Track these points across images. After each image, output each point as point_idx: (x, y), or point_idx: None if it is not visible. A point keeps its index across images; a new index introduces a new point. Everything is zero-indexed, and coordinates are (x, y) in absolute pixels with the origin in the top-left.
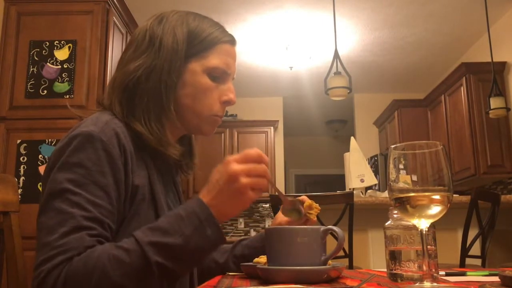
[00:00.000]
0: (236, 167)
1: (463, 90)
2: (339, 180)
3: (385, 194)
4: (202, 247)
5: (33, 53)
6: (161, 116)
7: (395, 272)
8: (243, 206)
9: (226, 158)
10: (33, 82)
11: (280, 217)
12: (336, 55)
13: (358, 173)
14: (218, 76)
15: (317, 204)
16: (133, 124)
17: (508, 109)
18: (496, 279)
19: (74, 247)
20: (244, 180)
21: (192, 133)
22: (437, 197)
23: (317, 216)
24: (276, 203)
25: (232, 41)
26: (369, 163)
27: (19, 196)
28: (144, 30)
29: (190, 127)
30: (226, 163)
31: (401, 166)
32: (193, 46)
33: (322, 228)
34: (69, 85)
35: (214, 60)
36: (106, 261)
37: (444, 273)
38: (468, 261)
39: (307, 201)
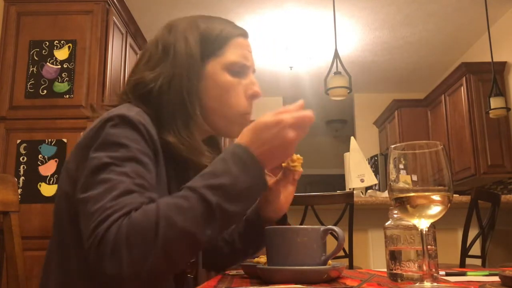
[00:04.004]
0: (292, 134)
1: (463, 90)
2: (339, 180)
3: (385, 194)
4: (250, 186)
5: (33, 53)
6: (188, 123)
7: (395, 272)
8: (280, 162)
9: (280, 118)
10: (33, 82)
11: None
12: (336, 55)
13: (358, 173)
14: (238, 70)
15: (298, 155)
16: (163, 135)
17: (508, 109)
18: (496, 279)
19: (129, 203)
20: (294, 145)
21: (222, 136)
22: (437, 197)
23: (317, 216)
24: None
25: (244, 34)
26: (369, 163)
27: (19, 196)
28: (155, 41)
29: (220, 131)
30: (283, 127)
31: (401, 166)
32: (207, 47)
33: (322, 228)
34: (69, 85)
35: (231, 55)
36: (167, 210)
37: (444, 273)
38: (468, 261)
39: None
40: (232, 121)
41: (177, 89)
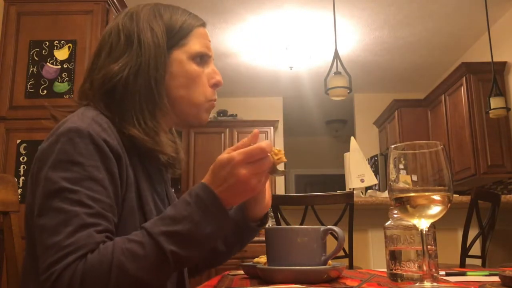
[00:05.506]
0: (244, 171)
1: (463, 90)
2: (339, 180)
3: (385, 194)
4: (211, 232)
5: (33, 53)
6: (155, 112)
7: (395, 272)
8: (248, 197)
9: (231, 156)
10: (33, 82)
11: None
12: (336, 55)
13: (358, 173)
14: (202, 60)
15: (277, 148)
16: (125, 129)
17: (508, 109)
18: (496, 279)
19: (84, 244)
20: (254, 181)
21: (189, 124)
22: (437, 197)
23: (317, 216)
24: (275, 202)
25: (204, 23)
26: (369, 163)
27: (19, 196)
28: (116, 30)
29: (188, 119)
30: (234, 166)
31: (401, 166)
32: (172, 37)
33: (322, 228)
34: (69, 85)
35: (195, 45)
36: (121, 256)
37: (444, 273)
38: (468, 261)
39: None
40: (200, 108)
41: (145, 78)
